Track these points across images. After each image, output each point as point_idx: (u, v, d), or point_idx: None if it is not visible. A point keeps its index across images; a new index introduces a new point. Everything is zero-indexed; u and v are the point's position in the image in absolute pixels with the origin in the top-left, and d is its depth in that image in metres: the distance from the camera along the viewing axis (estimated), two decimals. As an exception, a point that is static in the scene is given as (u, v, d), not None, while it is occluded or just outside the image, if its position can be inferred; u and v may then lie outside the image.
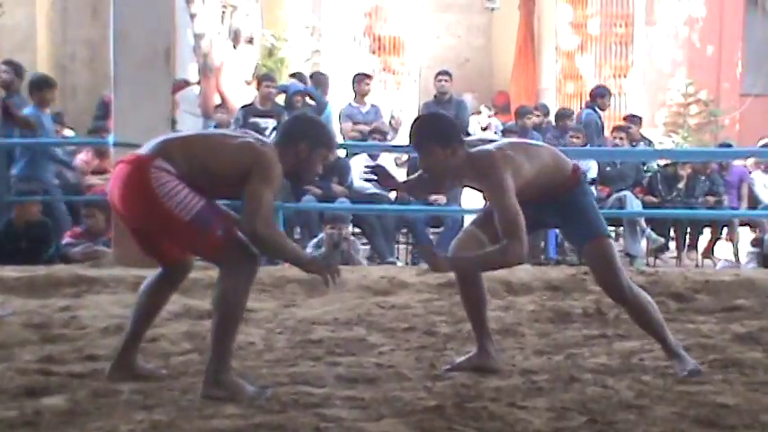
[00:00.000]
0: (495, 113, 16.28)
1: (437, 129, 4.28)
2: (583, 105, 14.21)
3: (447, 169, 4.27)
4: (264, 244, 3.96)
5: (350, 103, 12.01)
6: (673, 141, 15.52)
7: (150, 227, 4.09)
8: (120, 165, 4.09)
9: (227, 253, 3.98)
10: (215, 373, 3.94)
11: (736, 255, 10.71)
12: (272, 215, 4.09)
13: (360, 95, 11.97)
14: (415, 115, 12.90)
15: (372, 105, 12.07)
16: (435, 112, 4.68)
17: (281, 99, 11.63)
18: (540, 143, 4.83)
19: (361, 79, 12.06)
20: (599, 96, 12.32)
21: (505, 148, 4.31)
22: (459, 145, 4.25)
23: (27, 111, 9.08)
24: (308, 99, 11.63)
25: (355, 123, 11.67)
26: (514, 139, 5.06)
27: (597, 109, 12.13)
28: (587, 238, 4.37)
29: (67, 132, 11.00)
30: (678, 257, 10.82)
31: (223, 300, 3.96)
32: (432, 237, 9.99)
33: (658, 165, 11.41)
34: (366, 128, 11.45)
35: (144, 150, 4.05)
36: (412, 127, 4.33)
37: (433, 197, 9.94)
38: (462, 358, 4.60)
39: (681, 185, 10.80)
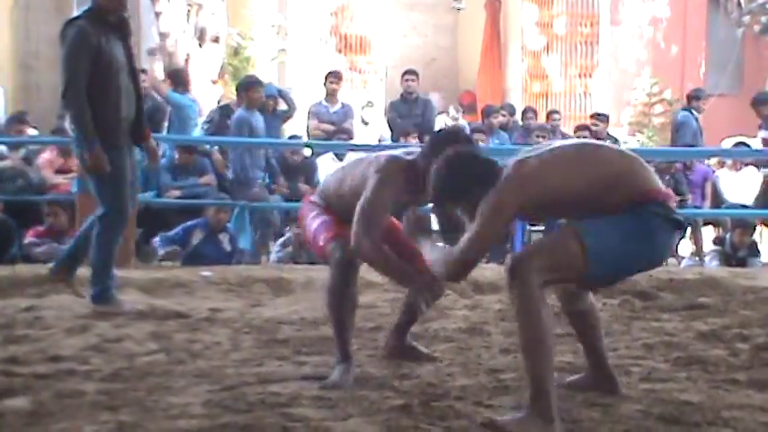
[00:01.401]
0: (463, 113, 16.31)
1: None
2: (548, 105, 14.33)
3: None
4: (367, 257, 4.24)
5: (320, 102, 11.99)
6: (638, 140, 15.64)
7: None
8: None
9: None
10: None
11: (699, 253, 10.79)
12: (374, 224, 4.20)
13: (330, 94, 11.95)
14: (383, 114, 13.03)
15: (343, 105, 12.06)
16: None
17: None
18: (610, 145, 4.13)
19: (332, 78, 12.05)
20: (695, 99, 12.43)
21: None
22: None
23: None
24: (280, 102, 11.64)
25: (321, 122, 11.65)
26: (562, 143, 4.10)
27: (694, 111, 12.21)
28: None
29: (31, 131, 10.92)
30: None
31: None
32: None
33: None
34: (330, 127, 11.45)
35: None
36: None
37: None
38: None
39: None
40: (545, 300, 3.63)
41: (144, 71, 11.22)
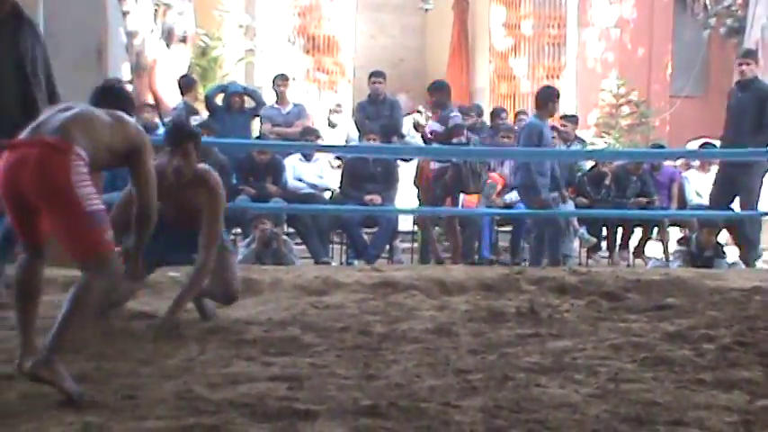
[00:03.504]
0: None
1: None
2: (515, 107, 14.35)
3: None
4: None
5: (271, 105, 12.05)
6: (605, 142, 15.72)
7: (47, 205, 3.96)
8: (28, 149, 3.94)
9: (109, 257, 3.99)
10: (48, 356, 3.84)
11: (665, 254, 10.87)
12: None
13: (279, 97, 12.06)
14: (350, 114, 13.04)
15: (295, 105, 12.16)
16: None
17: (219, 99, 11.64)
18: None
19: (279, 81, 12.16)
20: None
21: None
22: None
23: None
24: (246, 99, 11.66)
25: (275, 125, 11.70)
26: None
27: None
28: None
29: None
30: (610, 257, 10.96)
31: (85, 296, 3.92)
32: (366, 236, 10.00)
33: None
34: (285, 129, 11.55)
35: (53, 133, 3.97)
36: None
37: (368, 197, 9.96)
38: None
39: (606, 183, 10.93)
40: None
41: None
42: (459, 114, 9.88)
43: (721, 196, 10.00)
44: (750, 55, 10.35)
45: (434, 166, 9.82)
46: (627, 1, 17.34)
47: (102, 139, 4.14)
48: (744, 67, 9.96)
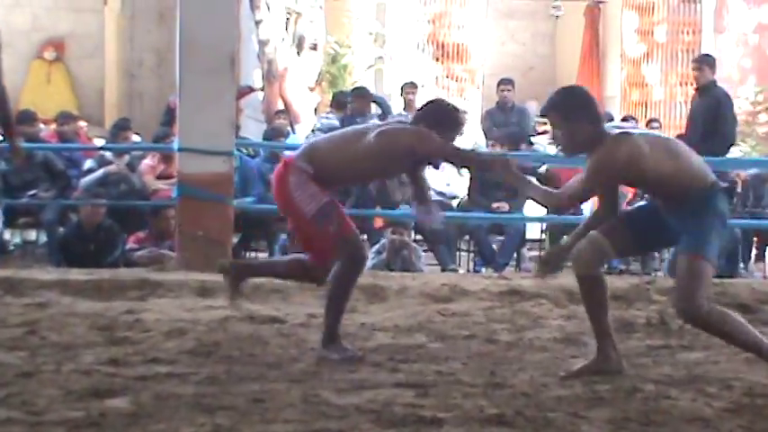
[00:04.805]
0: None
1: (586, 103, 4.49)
2: (647, 114, 14.09)
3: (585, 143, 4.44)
4: None
5: (399, 113, 12.04)
6: (740, 150, 15.31)
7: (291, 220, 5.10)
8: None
9: (339, 250, 4.75)
10: (325, 340, 4.82)
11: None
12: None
13: (407, 105, 12.01)
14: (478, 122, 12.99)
15: None
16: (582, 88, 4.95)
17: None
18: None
19: (408, 88, 12.10)
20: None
21: (640, 138, 4.40)
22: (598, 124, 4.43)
23: None
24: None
25: None
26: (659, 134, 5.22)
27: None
28: (688, 249, 4.33)
29: (135, 138, 11.14)
30: (745, 268, 10.67)
31: (334, 285, 4.82)
32: (494, 245, 9.95)
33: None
34: None
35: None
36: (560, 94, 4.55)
37: (496, 204, 9.91)
38: (581, 364, 4.59)
39: (739, 192, 10.65)
40: (722, 312, 4.37)
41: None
42: None
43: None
44: (701, 60, 10.03)
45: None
46: (766, 6, 16.87)
47: None
48: (695, 73, 9.76)
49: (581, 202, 4.65)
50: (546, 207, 5.16)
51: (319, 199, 4.72)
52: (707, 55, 10.60)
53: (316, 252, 4.92)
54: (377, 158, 4.77)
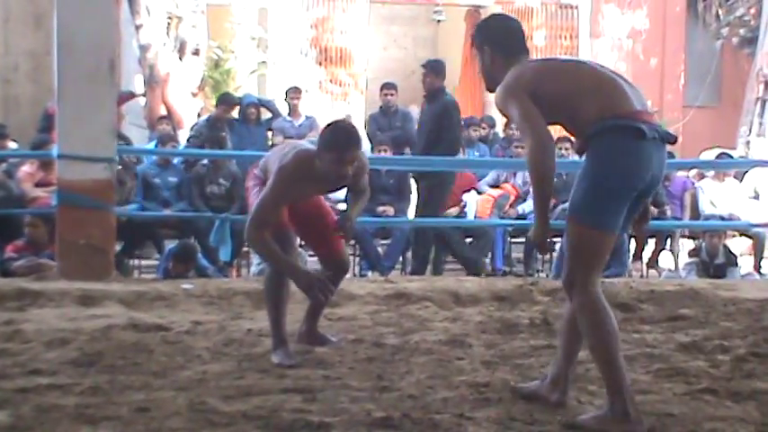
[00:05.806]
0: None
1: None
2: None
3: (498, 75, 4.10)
4: (253, 247, 4.84)
5: (283, 117, 12.08)
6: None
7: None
8: None
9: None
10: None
11: (676, 264, 10.84)
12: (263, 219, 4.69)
13: (292, 109, 12.09)
14: (362, 126, 13.03)
15: (307, 117, 12.19)
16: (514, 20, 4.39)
17: (235, 111, 11.67)
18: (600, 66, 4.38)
19: (292, 93, 12.20)
20: None
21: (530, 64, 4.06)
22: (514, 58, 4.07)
23: None
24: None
25: (287, 137, 11.71)
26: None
27: None
28: (570, 211, 3.80)
29: (12, 145, 10.87)
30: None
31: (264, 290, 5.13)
32: (379, 248, 10.00)
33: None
34: (297, 142, 11.53)
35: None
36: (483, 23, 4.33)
37: (381, 208, 9.96)
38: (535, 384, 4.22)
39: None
40: (604, 305, 3.76)
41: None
42: None
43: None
44: (427, 66, 9.77)
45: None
46: (639, 11, 17.32)
47: None
48: (426, 79, 9.59)
49: (542, 137, 3.77)
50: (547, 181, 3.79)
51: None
52: (435, 61, 10.12)
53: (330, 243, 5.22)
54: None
